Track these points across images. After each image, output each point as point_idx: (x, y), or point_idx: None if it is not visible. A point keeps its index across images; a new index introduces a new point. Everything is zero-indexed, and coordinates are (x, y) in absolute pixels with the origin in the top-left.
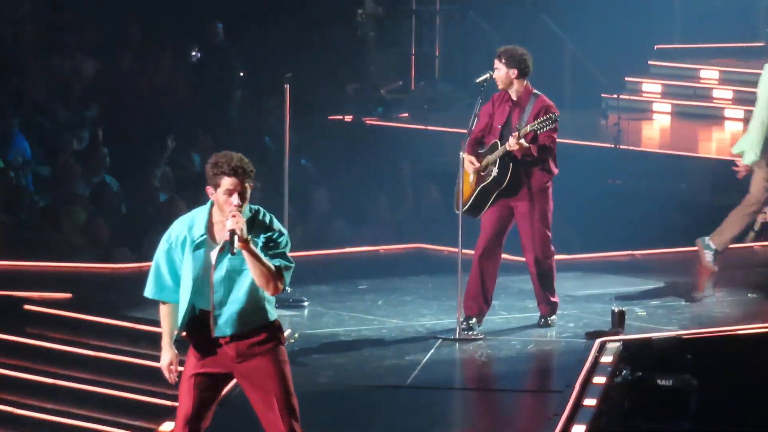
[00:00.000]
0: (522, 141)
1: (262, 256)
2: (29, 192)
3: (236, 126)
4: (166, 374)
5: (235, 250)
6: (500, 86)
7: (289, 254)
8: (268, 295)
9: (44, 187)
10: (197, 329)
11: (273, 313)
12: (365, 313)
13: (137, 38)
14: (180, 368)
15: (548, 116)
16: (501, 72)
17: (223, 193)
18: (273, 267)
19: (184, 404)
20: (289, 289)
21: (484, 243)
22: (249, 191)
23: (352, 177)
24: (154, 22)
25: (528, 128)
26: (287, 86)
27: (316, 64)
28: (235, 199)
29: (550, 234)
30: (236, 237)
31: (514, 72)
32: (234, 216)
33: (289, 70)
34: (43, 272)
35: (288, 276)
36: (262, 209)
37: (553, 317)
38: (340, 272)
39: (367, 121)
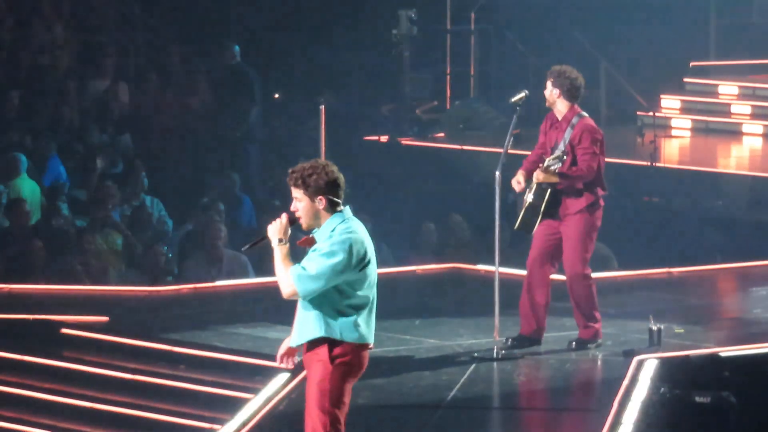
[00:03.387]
0: (545, 173)
1: (283, 259)
2: (64, 215)
3: (272, 146)
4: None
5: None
6: (547, 104)
7: (326, 265)
8: (326, 309)
9: (80, 210)
10: None
11: (325, 329)
12: (402, 332)
13: (172, 61)
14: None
15: (557, 155)
16: (547, 90)
17: None
18: (286, 270)
19: None
20: None
21: (532, 261)
22: (306, 198)
23: (389, 198)
24: (187, 44)
25: (545, 164)
26: (322, 108)
27: (351, 85)
28: (292, 206)
29: (588, 255)
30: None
31: (557, 92)
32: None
33: (324, 91)
34: (79, 296)
35: (301, 283)
36: (342, 227)
37: (591, 345)
38: (377, 292)
39: (402, 141)
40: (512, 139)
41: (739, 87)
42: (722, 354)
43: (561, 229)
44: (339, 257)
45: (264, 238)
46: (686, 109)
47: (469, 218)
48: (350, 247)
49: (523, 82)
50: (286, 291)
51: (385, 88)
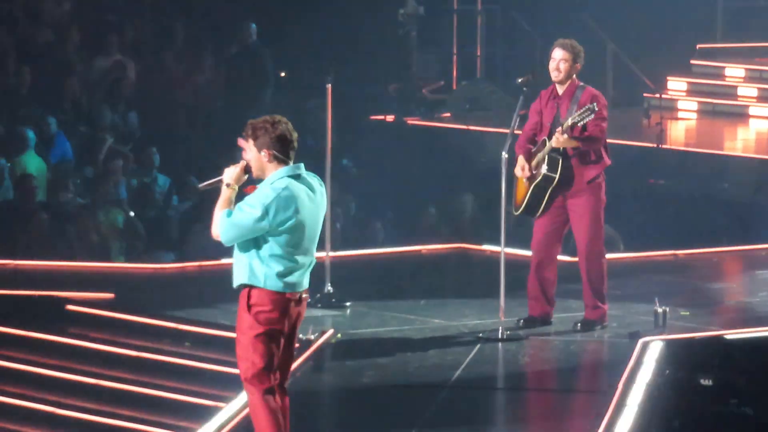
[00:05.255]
0: (565, 135)
1: (222, 201)
2: (70, 192)
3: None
4: None
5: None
6: (562, 77)
7: (245, 216)
8: (252, 256)
9: (87, 187)
10: None
11: (249, 276)
12: (408, 313)
13: (179, 38)
14: None
15: (587, 107)
16: (564, 63)
17: None
18: (219, 212)
19: None
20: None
21: (538, 243)
22: (253, 149)
23: (393, 177)
24: (194, 22)
25: (569, 121)
26: (329, 86)
27: (357, 64)
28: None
29: (602, 231)
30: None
31: (576, 65)
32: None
33: (330, 70)
34: (85, 272)
35: (222, 228)
36: (280, 182)
37: (597, 327)
38: (382, 272)
39: (408, 121)
40: (518, 119)
41: (746, 69)
42: (727, 337)
43: (569, 205)
44: (257, 211)
45: (220, 179)
46: (693, 92)
47: (474, 198)
48: (271, 202)
49: (530, 63)
50: (213, 232)
51: (392, 67)
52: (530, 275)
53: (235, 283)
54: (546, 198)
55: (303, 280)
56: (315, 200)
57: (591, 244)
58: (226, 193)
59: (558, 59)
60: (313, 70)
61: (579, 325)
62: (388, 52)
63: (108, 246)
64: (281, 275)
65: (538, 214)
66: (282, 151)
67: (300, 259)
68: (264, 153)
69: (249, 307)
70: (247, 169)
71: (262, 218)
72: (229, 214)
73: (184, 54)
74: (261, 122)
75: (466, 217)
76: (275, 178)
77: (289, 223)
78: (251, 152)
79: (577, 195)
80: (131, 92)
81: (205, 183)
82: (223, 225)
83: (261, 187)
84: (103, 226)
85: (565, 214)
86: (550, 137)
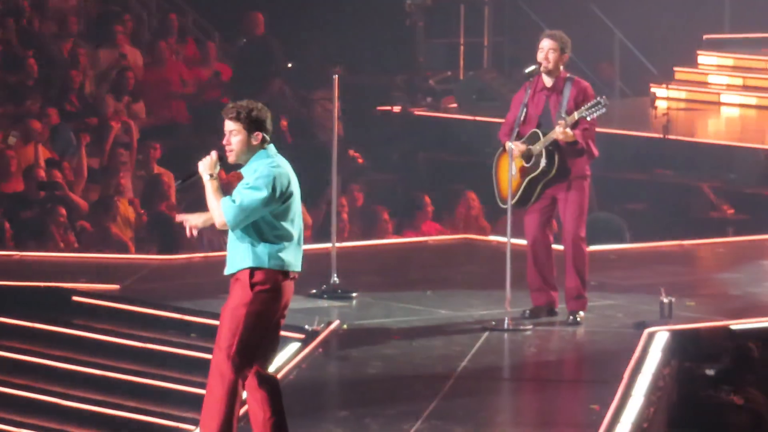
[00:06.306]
0: (568, 130)
1: (214, 192)
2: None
3: (286, 115)
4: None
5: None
6: (550, 67)
7: (253, 198)
8: (254, 239)
9: (92, 179)
10: None
11: (252, 259)
12: (414, 303)
13: (184, 28)
14: None
15: (596, 101)
16: (553, 53)
17: None
18: (217, 201)
19: None
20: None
21: (532, 235)
22: (243, 132)
23: (399, 167)
24: (201, 11)
25: (576, 116)
26: (336, 77)
27: (364, 54)
28: (225, 139)
29: (584, 219)
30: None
31: (565, 57)
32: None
33: (337, 61)
34: (90, 263)
35: (230, 214)
36: (266, 163)
37: (582, 314)
38: (388, 263)
39: (415, 112)
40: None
41: (753, 60)
42: (733, 327)
43: (558, 195)
44: (264, 191)
45: (195, 174)
46: (699, 82)
47: (479, 189)
48: (274, 180)
49: (537, 54)
50: (218, 221)
51: (399, 58)
52: (528, 268)
53: (234, 268)
54: (538, 191)
55: (299, 257)
56: (293, 172)
57: (577, 231)
58: (213, 185)
59: (546, 49)
60: (320, 60)
61: (571, 318)
62: (395, 43)
63: (116, 238)
64: (282, 253)
65: (528, 206)
66: (270, 132)
67: (295, 234)
68: (255, 135)
69: (252, 285)
70: (220, 156)
71: (270, 197)
72: (233, 201)
73: (191, 45)
74: (248, 105)
75: (469, 208)
76: (263, 158)
77: (290, 199)
78: (241, 134)
79: (565, 186)
80: (136, 84)
81: (182, 180)
82: (231, 211)
83: (257, 168)
84: (112, 217)
85: (554, 203)
86: (540, 129)
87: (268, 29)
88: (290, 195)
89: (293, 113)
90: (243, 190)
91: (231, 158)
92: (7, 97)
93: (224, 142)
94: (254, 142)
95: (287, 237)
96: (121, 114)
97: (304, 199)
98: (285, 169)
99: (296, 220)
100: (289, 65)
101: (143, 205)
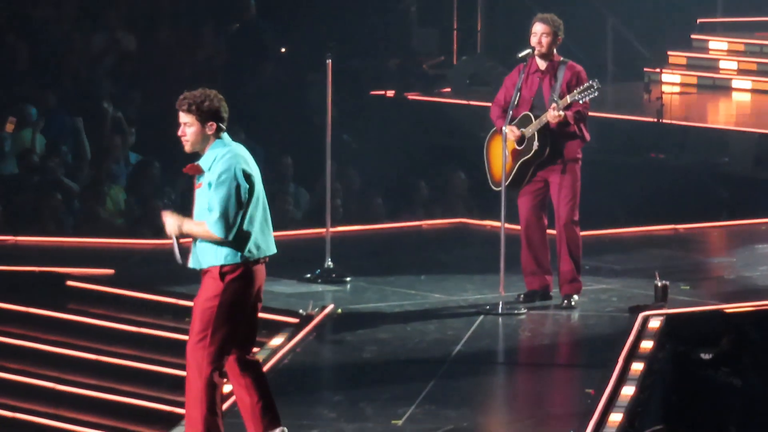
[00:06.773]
0: (561, 112)
1: (193, 227)
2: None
3: (278, 101)
4: None
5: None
6: (543, 51)
7: (225, 199)
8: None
9: (85, 165)
10: None
11: (224, 257)
12: (408, 288)
13: (178, 12)
14: None
15: (589, 84)
16: (546, 37)
17: None
18: (201, 228)
19: None
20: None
21: (526, 218)
22: (197, 123)
23: (392, 153)
24: None
25: (568, 99)
26: (329, 62)
27: (358, 39)
28: (180, 130)
29: (577, 203)
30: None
31: (558, 40)
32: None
33: (331, 45)
34: (85, 248)
35: (218, 228)
36: (222, 153)
37: (576, 298)
38: (382, 248)
39: (408, 96)
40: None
41: (746, 44)
42: (727, 311)
43: (550, 178)
44: (232, 185)
45: (177, 239)
46: (693, 66)
47: (472, 173)
48: (235, 170)
49: (530, 38)
50: (213, 238)
51: (392, 43)
52: (522, 252)
53: (202, 264)
54: (530, 174)
55: (269, 239)
56: (249, 155)
57: (570, 214)
58: (189, 227)
59: (539, 33)
60: (313, 45)
61: (565, 302)
62: (388, 27)
63: (109, 222)
64: (250, 241)
65: (521, 188)
66: (224, 121)
67: (260, 215)
68: (209, 125)
69: (222, 276)
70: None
71: (238, 187)
72: (212, 214)
73: (184, 29)
74: (201, 95)
75: (459, 192)
76: (219, 148)
77: (252, 182)
78: (194, 126)
79: (558, 169)
80: (130, 68)
81: (178, 252)
82: (215, 226)
83: (216, 163)
84: (105, 202)
85: (546, 186)
86: (533, 111)
87: (261, 13)
88: (252, 178)
89: (286, 98)
90: (213, 198)
91: (187, 148)
92: (1, 82)
93: (179, 133)
94: (208, 132)
95: (254, 222)
96: (114, 99)
97: (301, 185)
98: (240, 152)
99: (261, 204)
100: (283, 50)
101: (133, 191)
